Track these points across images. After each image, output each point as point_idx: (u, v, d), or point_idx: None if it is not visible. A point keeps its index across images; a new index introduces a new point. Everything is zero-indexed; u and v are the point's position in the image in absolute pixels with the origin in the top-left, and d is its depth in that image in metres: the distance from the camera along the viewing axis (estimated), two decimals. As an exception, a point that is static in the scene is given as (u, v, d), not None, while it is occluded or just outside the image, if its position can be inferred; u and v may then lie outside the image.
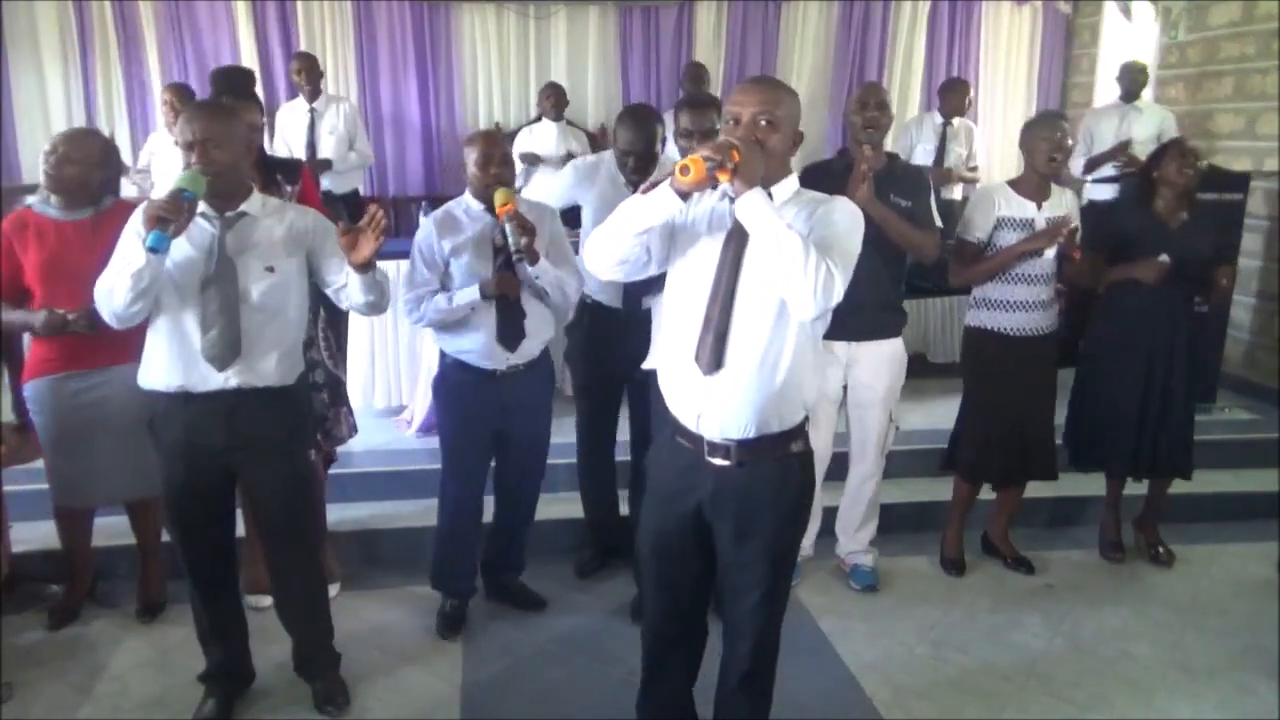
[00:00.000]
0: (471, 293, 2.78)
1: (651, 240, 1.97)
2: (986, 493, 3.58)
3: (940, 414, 3.61)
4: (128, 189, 5.69)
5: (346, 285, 2.45)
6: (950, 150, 5.94)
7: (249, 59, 6.33)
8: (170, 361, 2.35)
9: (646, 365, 2.93)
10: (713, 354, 1.94)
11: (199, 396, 2.36)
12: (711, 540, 2.10)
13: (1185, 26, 5.73)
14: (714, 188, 1.88)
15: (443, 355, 2.99)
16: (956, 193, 6.09)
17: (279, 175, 3.01)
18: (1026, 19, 7.13)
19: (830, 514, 3.47)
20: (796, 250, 1.80)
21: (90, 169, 2.81)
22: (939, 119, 5.98)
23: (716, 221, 1.98)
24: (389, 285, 2.53)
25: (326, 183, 5.38)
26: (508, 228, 2.65)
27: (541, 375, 3.02)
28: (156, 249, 2.18)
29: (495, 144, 2.86)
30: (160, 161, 5.24)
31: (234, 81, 3.46)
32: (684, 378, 2.01)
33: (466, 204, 2.88)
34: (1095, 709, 2.76)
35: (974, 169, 6.09)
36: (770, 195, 1.91)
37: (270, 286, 2.38)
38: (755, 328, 1.94)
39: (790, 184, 2.02)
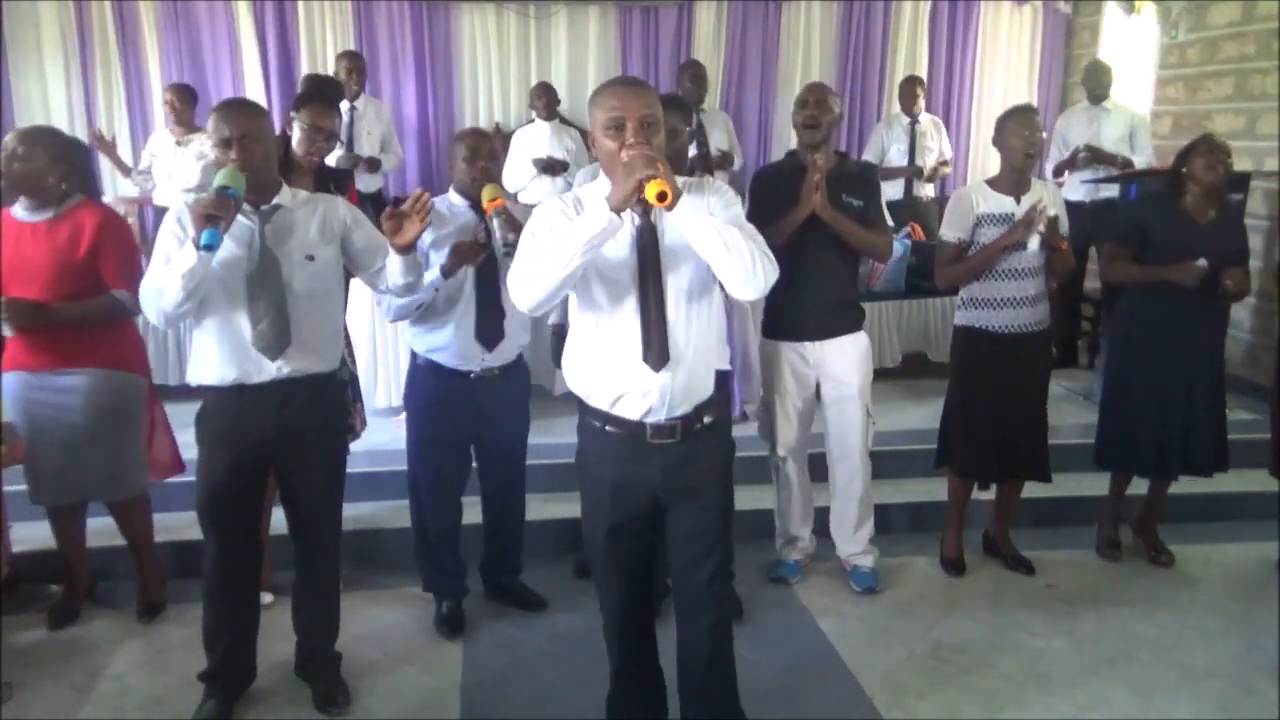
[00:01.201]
0: (433, 272, 2.75)
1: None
2: (985, 492, 3.58)
3: (940, 414, 3.61)
4: (129, 190, 5.71)
5: (384, 268, 2.54)
6: (921, 148, 6.00)
7: (249, 59, 6.34)
8: (223, 356, 2.41)
9: None
10: (660, 350, 2.03)
11: (252, 388, 2.42)
12: (658, 524, 2.18)
13: (1185, 26, 5.73)
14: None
15: (413, 358, 2.96)
16: (930, 191, 6.18)
17: (332, 185, 3.07)
18: (1026, 19, 7.13)
19: (822, 515, 3.47)
20: (742, 243, 1.94)
21: (44, 167, 2.76)
22: (906, 119, 6.05)
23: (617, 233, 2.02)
24: (423, 269, 2.62)
25: (357, 183, 5.39)
26: (495, 222, 2.64)
27: (517, 380, 3.00)
28: (212, 246, 2.22)
29: (485, 139, 2.88)
30: (161, 162, 5.24)
31: (321, 86, 3.51)
32: (629, 377, 2.06)
33: (450, 200, 2.89)
34: (1095, 709, 2.76)
35: (944, 164, 6.22)
36: None
37: (312, 275, 2.45)
38: (685, 315, 2.06)
39: None
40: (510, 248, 2.62)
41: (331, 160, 5.38)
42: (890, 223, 3.26)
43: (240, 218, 2.35)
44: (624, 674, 2.34)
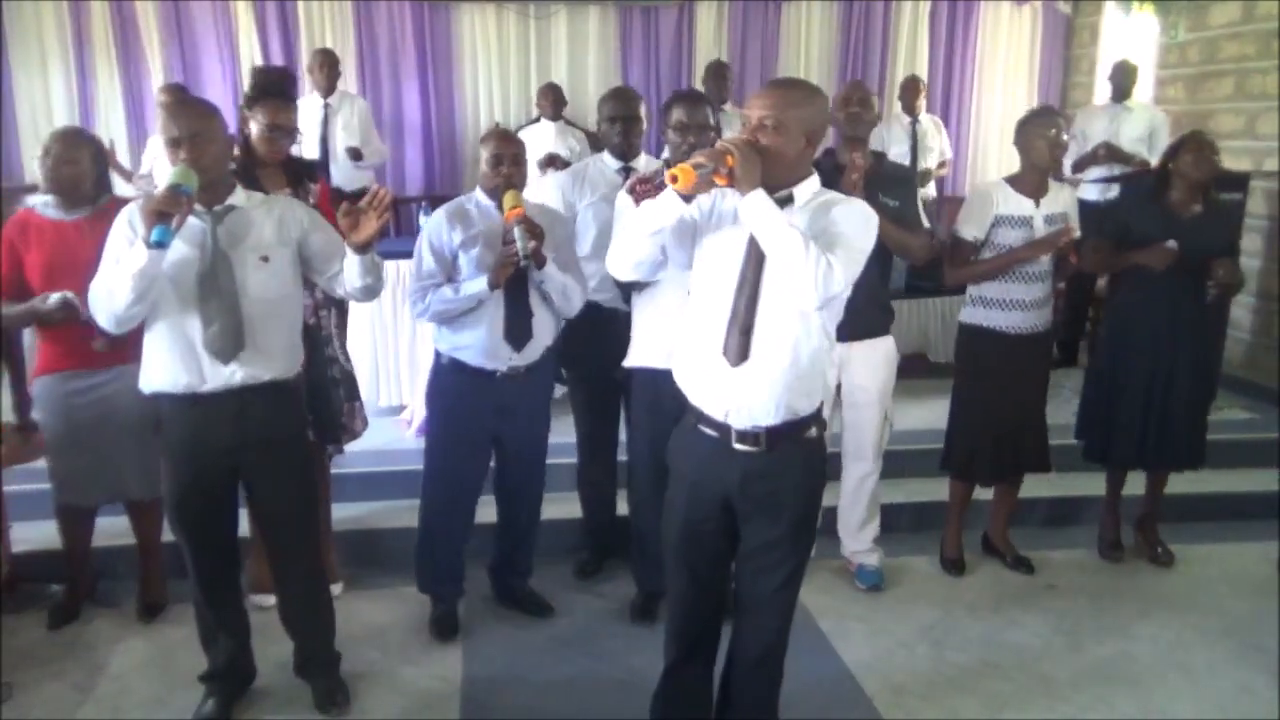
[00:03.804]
0: (479, 283, 2.74)
1: (666, 240, 2.06)
2: (985, 492, 3.58)
3: (941, 414, 3.61)
4: (131, 194, 5.71)
5: (342, 270, 2.46)
6: (922, 148, 6.00)
7: (249, 59, 6.33)
8: (174, 362, 2.35)
9: (627, 363, 2.94)
10: (740, 347, 2.03)
11: (206, 396, 2.36)
12: (735, 527, 2.16)
13: (1185, 26, 5.73)
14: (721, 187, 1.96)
15: (437, 356, 2.95)
16: (930, 191, 6.17)
17: (305, 177, 3.04)
18: (1026, 19, 7.14)
19: (829, 514, 3.47)
20: (796, 244, 1.90)
21: (85, 168, 2.86)
22: (907, 119, 6.04)
23: (740, 220, 2.03)
24: (384, 270, 2.54)
25: (336, 179, 5.37)
26: (515, 232, 2.64)
27: (541, 380, 2.99)
28: (163, 243, 2.18)
29: (509, 143, 2.87)
30: (161, 165, 5.24)
31: (273, 81, 3.46)
32: (711, 371, 2.08)
33: (477, 199, 2.89)
34: (1095, 709, 2.76)
35: (942, 165, 6.20)
36: (792, 196, 2.02)
37: (267, 277, 2.39)
38: (779, 320, 2.02)
39: (812, 184, 2.08)
40: (529, 257, 2.64)
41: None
42: (926, 224, 3.25)
43: (192, 218, 2.30)
44: (674, 673, 2.33)
